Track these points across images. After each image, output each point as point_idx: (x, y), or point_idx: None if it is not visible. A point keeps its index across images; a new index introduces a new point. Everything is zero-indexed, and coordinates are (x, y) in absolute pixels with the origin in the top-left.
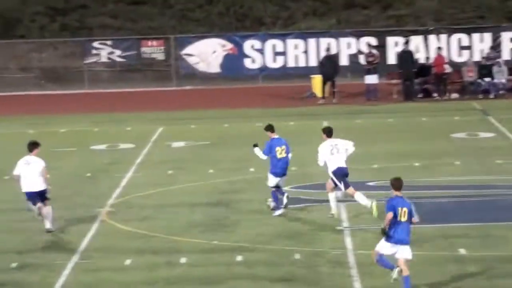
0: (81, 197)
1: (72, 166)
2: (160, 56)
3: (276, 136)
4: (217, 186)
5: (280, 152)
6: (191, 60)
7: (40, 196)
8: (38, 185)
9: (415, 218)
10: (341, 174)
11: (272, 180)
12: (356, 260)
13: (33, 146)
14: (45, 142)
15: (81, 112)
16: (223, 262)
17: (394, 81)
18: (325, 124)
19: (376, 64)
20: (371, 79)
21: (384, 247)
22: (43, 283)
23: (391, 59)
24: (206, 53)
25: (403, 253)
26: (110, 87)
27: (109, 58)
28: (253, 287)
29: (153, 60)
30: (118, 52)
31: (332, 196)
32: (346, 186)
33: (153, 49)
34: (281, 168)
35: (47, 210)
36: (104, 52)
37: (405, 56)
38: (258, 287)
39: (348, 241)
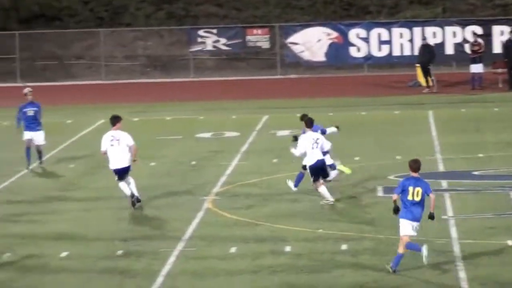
0: (186, 185)
1: (177, 154)
2: (265, 45)
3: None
4: None
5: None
6: (296, 48)
7: (127, 172)
8: (126, 161)
9: (432, 195)
10: (319, 167)
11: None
12: (461, 250)
13: (116, 120)
14: (151, 130)
15: (187, 100)
16: (328, 250)
17: (499, 70)
18: (431, 112)
19: (482, 53)
20: (476, 68)
21: (406, 228)
22: (148, 271)
23: (497, 48)
24: (311, 42)
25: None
26: (215, 75)
27: (214, 47)
28: (358, 276)
29: (258, 48)
30: (223, 40)
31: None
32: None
33: (258, 38)
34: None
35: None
36: (210, 40)
37: (511, 45)
38: (363, 276)
39: (453, 231)
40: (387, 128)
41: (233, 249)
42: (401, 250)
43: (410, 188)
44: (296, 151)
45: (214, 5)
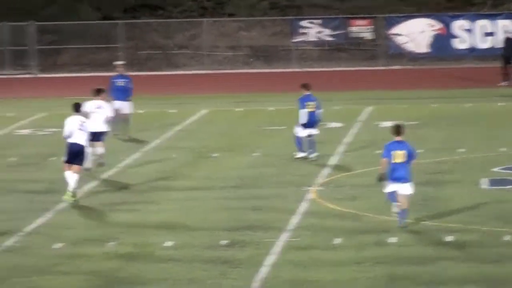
0: (289, 176)
1: (280, 145)
2: (368, 36)
3: (307, 93)
4: (426, 166)
5: (311, 107)
6: (399, 39)
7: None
8: (100, 127)
9: (413, 161)
10: (75, 150)
11: (300, 131)
12: None
13: (99, 91)
14: (253, 120)
15: (289, 91)
16: (433, 242)
17: None
18: None
19: None
20: None
21: (388, 187)
22: (252, 261)
23: None
24: (415, 33)
25: (403, 189)
26: (317, 66)
27: (317, 37)
28: (463, 268)
29: (361, 39)
30: (326, 31)
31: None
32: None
33: (361, 29)
34: (309, 121)
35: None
36: (313, 31)
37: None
38: (468, 268)
39: None
40: (491, 120)
41: (337, 240)
42: (405, 206)
43: (393, 153)
44: (64, 134)
45: None
